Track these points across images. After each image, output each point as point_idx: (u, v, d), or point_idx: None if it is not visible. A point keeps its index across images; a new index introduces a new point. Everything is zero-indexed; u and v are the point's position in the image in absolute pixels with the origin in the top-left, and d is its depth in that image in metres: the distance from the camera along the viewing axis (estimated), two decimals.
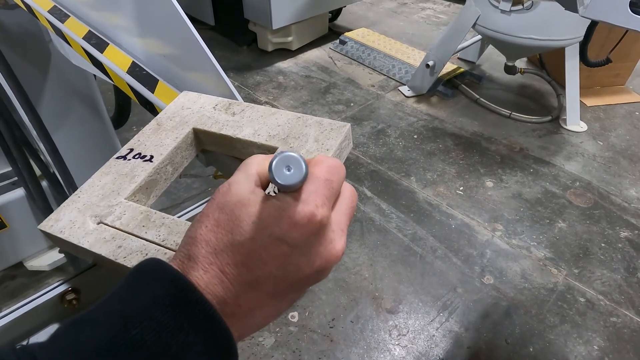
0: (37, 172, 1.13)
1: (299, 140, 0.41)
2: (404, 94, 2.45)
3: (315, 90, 2.50)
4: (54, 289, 0.39)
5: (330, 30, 3.10)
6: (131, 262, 0.34)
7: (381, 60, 2.71)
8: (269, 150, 0.42)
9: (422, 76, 2.38)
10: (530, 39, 1.94)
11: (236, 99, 0.49)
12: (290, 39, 2.79)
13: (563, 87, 2.19)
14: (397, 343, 1.32)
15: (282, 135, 0.42)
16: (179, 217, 0.42)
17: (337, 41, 2.93)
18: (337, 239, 0.27)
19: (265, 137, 0.43)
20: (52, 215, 0.38)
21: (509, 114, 2.25)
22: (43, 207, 1.16)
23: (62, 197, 1.15)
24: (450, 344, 1.31)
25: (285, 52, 2.84)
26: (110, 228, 0.37)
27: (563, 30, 1.92)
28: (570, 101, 2.13)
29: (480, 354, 1.29)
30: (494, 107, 2.30)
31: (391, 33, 3.12)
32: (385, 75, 2.63)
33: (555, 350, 1.29)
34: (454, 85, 2.48)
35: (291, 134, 0.42)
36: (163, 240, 0.35)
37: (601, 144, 2.09)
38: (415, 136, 2.14)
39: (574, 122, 2.16)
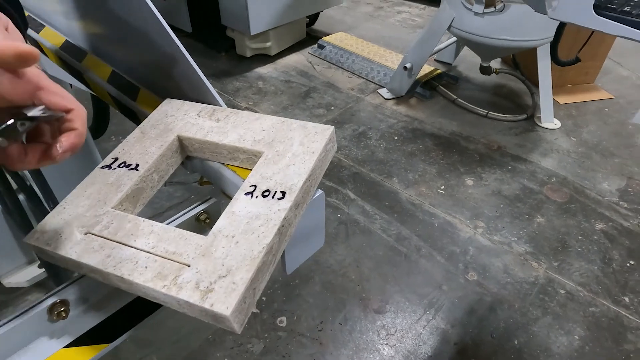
0: (14, 185, 1.10)
1: (284, 144, 0.42)
2: (383, 97, 2.48)
3: (295, 94, 2.50)
4: (42, 302, 0.38)
5: (308, 35, 3.11)
6: (121, 270, 0.34)
7: (360, 63, 2.73)
8: (254, 155, 0.43)
9: (401, 78, 2.42)
10: (504, 40, 1.99)
11: (220, 105, 0.49)
12: (268, 44, 2.79)
13: (536, 86, 2.26)
14: (385, 343, 1.33)
15: (268, 140, 0.43)
16: (167, 224, 0.42)
17: (316, 46, 2.95)
18: None
19: (251, 142, 0.43)
20: (37, 227, 0.38)
21: (485, 114, 2.30)
22: (20, 222, 1.13)
23: (40, 210, 1.12)
24: (438, 341, 1.33)
25: (264, 58, 2.84)
26: (98, 238, 0.37)
27: (534, 31, 1.98)
28: (544, 99, 2.19)
29: (467, 349, 1.31)
30: (471, 107, 2.35)
31: (368, 37, 3.15)
32: (364, 78, 2.66)
33: (539, 342, 1.33)
34: (432, 87, 2.52)
35: (276, 138, 0.43)
36: (153, 248, 0.35)
37: (574, 140, 2.15)
38: (396, 137, 2.17)
39: (548, 120, 2.23)
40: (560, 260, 1.57)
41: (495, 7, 1.93)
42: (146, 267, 0.34)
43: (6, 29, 0.34)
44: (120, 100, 0.56)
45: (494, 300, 1.44)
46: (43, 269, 1.45)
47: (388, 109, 2.39)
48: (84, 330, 0.38)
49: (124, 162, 0.43)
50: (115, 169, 0.42)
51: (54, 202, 0.98)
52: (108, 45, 0.64)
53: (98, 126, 1.39)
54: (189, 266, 0.33)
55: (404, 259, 1.58)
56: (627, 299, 1.45)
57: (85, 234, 0.37)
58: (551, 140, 2.15)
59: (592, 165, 1.99)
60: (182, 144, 0.46)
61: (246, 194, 0.38)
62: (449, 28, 2.14)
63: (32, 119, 0.31)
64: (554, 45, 1.91)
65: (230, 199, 0.52)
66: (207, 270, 0.32)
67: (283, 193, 0.37)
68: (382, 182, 1.90)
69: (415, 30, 3.33)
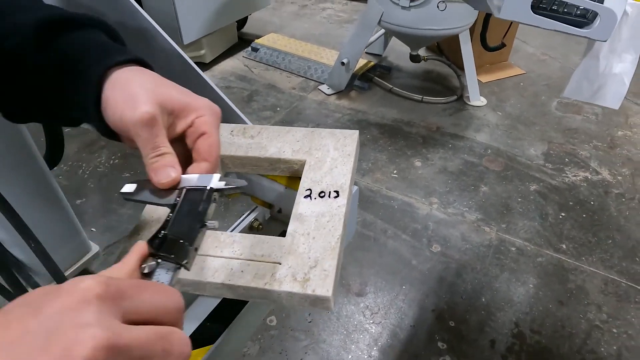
0: None
1: (321, 151, 0.48)
2: (324, 93, 2.57)
3: (238, 99, 2.52)
4: None
5: (240, 39, 3.12)
6: (221, 278, 0.38)
7: (296, 62, 2.80)
8: (295, 164, 0.49)
9: (339, 74, 2.52)
10: (430, 29, 2.17)
11: (247, 123, 0.54)
12: (202, 52, 2.77)
13: (461, 68, 2.48)
14: (372, 321, 1.43)
15: (305, 149, 0.49)
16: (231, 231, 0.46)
17: (249, 49, 2.97)
18: None
19: (290, 153, 0.49)
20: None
21: (420, 99, 2.48)
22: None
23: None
24: (417, 311, 1.46)
25: (199, 66, 2.80)
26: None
27: (455, 19, 2.17)
28: (470, 80, 2.42)
29: (443, 313, 1.45)
30: (406, 94, 2.52)
31: (299, 35, 3.22)
32: (303, 76, 2.73)
33: (502, 296, 1.50)
34: (368, 79, 2.66)
35: (312, 146, 0.49)
36: (241, 254, 0.40)
37: (500, 114, 2.40)
38: None
39: (476, 98, 2.46)
40: (507, 222, 1.77)
41: (418, 0, 2.09)
42: (242, 271, 0.39)
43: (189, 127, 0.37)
44: None
45: (459, 266, 1.60)
46: None
47: (331, 104, 2.49)
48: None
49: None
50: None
51: (32, 240, 0.95)
52: None
53: (53, 155, 1.33)
54: (280, 264, 0.39)
55: (373, 242, 1.69)
56: (564, 246, 1.68)
57: None
58: (481, 117, 2.38)
59: (518, 135, 2.24)
60: (223, 162, 0.51)
61: (305, 197, 0.44)
62: (379, 22, 2.27)
63: (220, 190, 0.33)
64: (483, 34, 2.13)
65: (264, 205, 0.57)
66: (297, 264, 0.38)
67: (337, 192, 0.44)
68: None
69: (342, 25, 3.46)
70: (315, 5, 3.84)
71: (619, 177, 1.99)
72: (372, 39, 2.72)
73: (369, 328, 1.41)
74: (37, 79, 0.36)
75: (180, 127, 0.37)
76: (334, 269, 0.38)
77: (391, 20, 2.22)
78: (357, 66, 2.62)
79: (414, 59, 2.51)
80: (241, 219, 0.54)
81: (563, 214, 1.81)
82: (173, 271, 0.28)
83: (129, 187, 0.35)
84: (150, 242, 0.29)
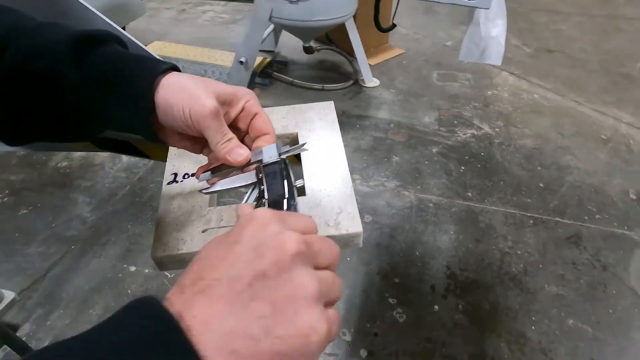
0: None
1: (307, 122, 0.54)
2: None
3: None
4: None
5: None
6: None
7: (190, 68, 2.74)
8: (287, 137, 0.54)
9: (238, 73, 2.54)
10: (319, 20, 2.30)
11: None
12: None
13: (350, 54, 2.67)
14: None
15: (293, 123, 0.54)
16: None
17: None
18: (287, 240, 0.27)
19: (281, 129, 0.54)
20: (155, 243, 0.42)
21: (321, 87, 2.62)
22: None
23: None
24: (365, 277, 1.58)
25: None
26: (219, 229, 0.43)
27: (340, 9, 2.33)
28: (362, 64, 2.61)
29: (388, 273, 1.60)
30: (307, 84, 2.64)
31: (185, 41, 3.15)
32: None
33: (432, 247, 1.70)
34: (268, 75, 2.72)
35: (298, 120, 0.54)
36: None
37: (393, 91, 2.65)
38: None
39: (370, 80, 2.67)
40: (420, 183, 1.99)
41: None
42: None
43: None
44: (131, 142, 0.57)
45: (390, 230, 1.76)
46: None
47: None
48: None
49: (187, 174, 0.48)
50: (182, 181, 0.48)
51: None
52: None
53: None
54: (310, 217, 0.44)
55: None
56: (469, 194, 1.94)
57: (204, 231, 0.43)
58: (377, 96, 2.60)
59: (412, 107, 2.50)
60: None
61: (309, 161, 0.49)
62: (270, 19, 2.34)
63: (287, 152, 0.38)
64: (375, 17, 2.33)
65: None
66: (325, 214, 0.44)
67: (335, 152, 0.50)
68: None
69: (227, 26, 3.45)
70: (194, 9, 3.76)
71: (497, 129, 2.35)
72: (264, 35, 2.77)
73: None
74: (74, 97, 0.37)
75: (233, 114, 0.42)
76: (357, 211, 0.44)
77: (281, 15, 2.30)
78: (255, 64, 2.66)
79: (308, 50, 2.63)
80: (247, 194, 0.57)
81: (463, 168, 2.08)
82: None
83: (205, 184, 0.39)
84: None
